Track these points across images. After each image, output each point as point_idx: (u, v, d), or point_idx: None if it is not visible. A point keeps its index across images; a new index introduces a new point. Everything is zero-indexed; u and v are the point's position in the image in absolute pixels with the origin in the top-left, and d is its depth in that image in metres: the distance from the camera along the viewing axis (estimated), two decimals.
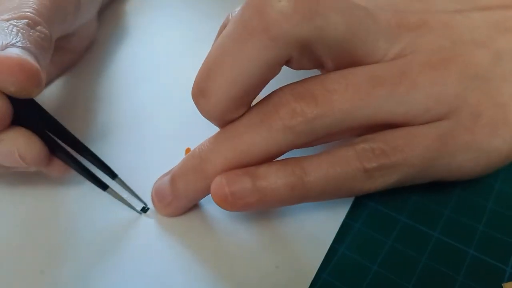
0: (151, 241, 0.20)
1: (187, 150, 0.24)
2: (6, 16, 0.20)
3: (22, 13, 0.20)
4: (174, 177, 0.20)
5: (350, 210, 0.21)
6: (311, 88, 0.18)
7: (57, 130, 0.21)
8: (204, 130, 0.25)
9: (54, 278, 0.19)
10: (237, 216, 0.21)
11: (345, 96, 0.18)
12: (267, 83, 0.18)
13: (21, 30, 0.19)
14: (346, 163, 0.18)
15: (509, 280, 0.18)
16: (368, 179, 0.19)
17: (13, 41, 0.19)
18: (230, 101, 0.18)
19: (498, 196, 0.22)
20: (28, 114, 0.19)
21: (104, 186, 0.21)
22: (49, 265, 0.19)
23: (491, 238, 0.20)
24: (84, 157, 0.21)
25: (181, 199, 0.20)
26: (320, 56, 0.18)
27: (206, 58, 0.18)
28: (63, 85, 0.29)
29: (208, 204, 0.22)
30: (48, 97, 0.28)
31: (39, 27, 0.21)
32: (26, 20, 0.20)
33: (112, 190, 0.21)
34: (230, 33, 0.17)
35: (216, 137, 0.20)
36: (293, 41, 0.17)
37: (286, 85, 0.19)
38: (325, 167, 0.18)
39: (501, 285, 0.18)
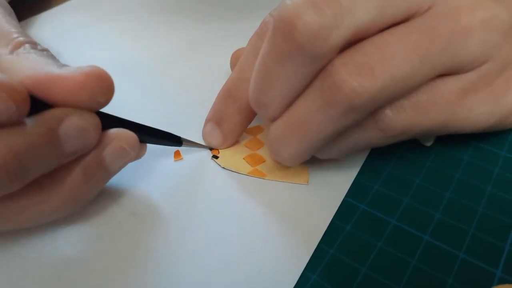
0: (141, 246, 0.20)
1: (176, 152, 0.24)
2: (12, 46, 0.20)
3: (20, 39, 0.20)
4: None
5: (341, 212, 0.21)
6: (366, 58, 0.17)
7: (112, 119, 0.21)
8: (194, 130, 0.25)
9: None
10: (219, 220, 0.21)
11: (405, 58, 0.17)
12: None
13: (40, 53, 0.20)
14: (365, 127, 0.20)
15: (499, 283, 0.18)
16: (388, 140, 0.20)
17: (57, 63, 0.19)
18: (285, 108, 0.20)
19: (489, 200, 0.22)
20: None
21: (178, 141, 0.23)
22: None
23: (481, 241, 0.20)
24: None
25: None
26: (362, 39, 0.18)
27: (255, 76, 0.20)
28: None
29: (191, 206, 0.21)
30: None
31: (38, 45, 0.21)
32: (28, 44, 0.20)
33: (186, 139, 0.23)
34: (268, 55, 0.18)
35: (283, 128, 0.20)
36: (331, 50, 0.17)
37: (338, 58, 0.18)
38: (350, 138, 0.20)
39: None
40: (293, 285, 0.18)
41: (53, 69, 0.18)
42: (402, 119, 0.19)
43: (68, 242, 0.20)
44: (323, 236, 0.20)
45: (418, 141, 0.25)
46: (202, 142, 0.25)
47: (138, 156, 0.21)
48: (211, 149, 0.24)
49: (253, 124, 0.26)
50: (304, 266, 0.19)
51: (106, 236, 0.20)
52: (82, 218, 0.21)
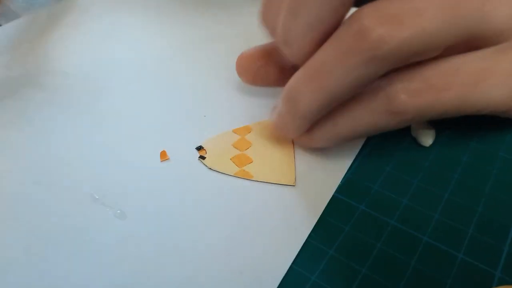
0: (118, 243, 0.20)
1: (162, 153, 0.24)
2: None
3: None
4: (276, 124, 0.23)
5: (340, 213, 0.21)
6: (396, 8, 0.17)
7: None
8: (181, 131, 0.25)
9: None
10: (205, 221, 0.21)
11: (436, 12, 0.17)
12: None
13: None
14: (370, 104, 0.20)
15: (498, 284, 0.18)
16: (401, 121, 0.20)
17: None
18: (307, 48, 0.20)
19: (487, 201, 0.22)
20: None
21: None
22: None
23: (480, 242, 0.20)
24: None
25: (291, 129, 0.22)
26: None
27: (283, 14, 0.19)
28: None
29: (177, 207, 0.21)
30: None
31: None
32: None
33: None
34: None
35: (303, 75, 0.20)
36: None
37: (366, 6, 0.18)
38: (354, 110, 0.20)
39: None
40: (278, 283, 0.18)
41: None
42: (416, 102, 0.19)
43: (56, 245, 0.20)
44: (322, 237, 0.20)
45: (417, 142, 0.25)
46: (199, 141, 0.25)
47: None
48: (198, 149, 0.24)
49: (241, 124, 0.26)
50: (289, 265, 0.19)
51: (90, 237, 0.20)
52: (66, 217, 0.21)
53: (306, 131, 0.22)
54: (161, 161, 0.24)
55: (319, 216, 0.21)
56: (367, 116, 0.20)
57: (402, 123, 0.20)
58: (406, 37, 0.17)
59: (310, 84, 0.19)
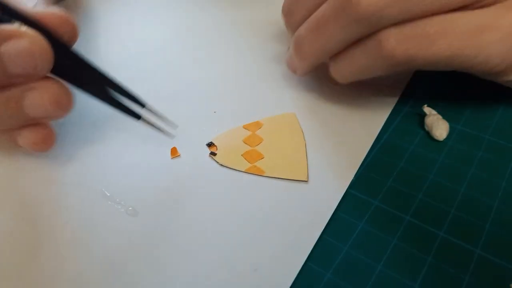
0: (127, 242, 0.20)
1: (173, 149, 0.24)
2: None
3: None
4: (287, 62, 0.28)
5: (354, 209, 0.21)
6: None
7: (84, 68, 0.21)
8: (191, 127, 0.24)
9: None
10: (216, 217, 0.20)
11: None
12: None
13: None
14: (365, 46, 0.22)
15: None
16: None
17: (38, 1, 0.20)
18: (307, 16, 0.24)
19: (504, 195, 0.21)
20: (60, 57, 0.20)
21: (137, 116, 0.22)
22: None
23: (498, 237, 0.19)
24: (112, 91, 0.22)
25: (298, 68, 0.26)
26: None
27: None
28: None
29: (188, 204, 0.21)
30: None
31: None
32: None
33: (144, 119, 0.22)
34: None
35: (307, 27, 0.23)
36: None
37: None
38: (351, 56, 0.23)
39: (509, 286, 0.18)
40: (292, 280, 0.18)
41: (27, 5, 0.19)
42: (405, 48, 0.20)
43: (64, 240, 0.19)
44: (336, 234, 0.20)
45: (430, 136, 0.25)
46: (210, 137, 0.24)
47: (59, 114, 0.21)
48: (209, 145, 0.24)
49: (252, 120, 0.26)
50: (303, 262, 0.18)
51: (102, 234, 0.20)
52: (78, 215, 0.20)
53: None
54: (172, 158, 0.23)
55: (332, 212, 0.20)
56: (362, 58, 0.22)
57: (392, 68, 0.22)
58: (384, 4, 0.19)
59: (311, 34, 0.23)
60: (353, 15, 0.20)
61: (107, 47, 0.32)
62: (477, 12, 0.20)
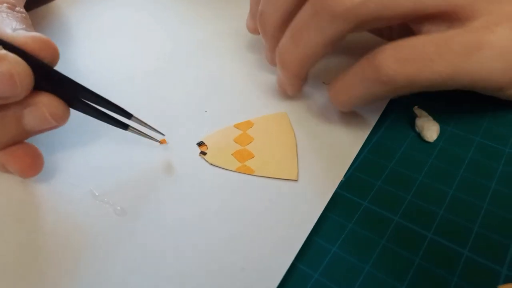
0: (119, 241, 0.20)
1: (162, 141, 0.24)
2: None
3: None
4: (277, 83, 0.27)
5: (343, 209, 0.21)
6: None
7: (69, 86, 0.21)
8: (181, 126, 0.24)
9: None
10: (206, 217, 0.20)
11: None
12: None
13: (10, 14, 0.20)
14: (362, 72, 0.21)
15: (504, 281, 0.18)
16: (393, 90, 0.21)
17: (17, 26, 0.19)
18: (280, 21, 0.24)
19: (493, 197, 0.21)
20: (43, 78, 0.20)
21: (125, 126, 0.22)
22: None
23: (486, 239, 0.19)
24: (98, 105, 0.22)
25: (287, 85, 0.26)
26: None
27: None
28: None
29: (178, 204, 0.21)
30: None
31: (17, 7, 0.21)
32: (6, 4, 0.20)
33: (133, 127, 0.22)
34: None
35: (286, 36, 0.24)
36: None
37: None
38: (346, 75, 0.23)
39: (496, 287, 0.18)
40: (280, 280, 0.18)
41: (6, 30, 0.19)
42: (404, 70, 0.20)
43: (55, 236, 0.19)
44: (325, 234, 0.20)
45: (421, 137, 0.25)
46: (201, 136, 0.24)
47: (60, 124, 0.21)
48: (199, 145, 0.24)
49: (243, 119, 0.25)
50: (291, 262, 0.18)
51: (91, 234, 0.20)
52: (68, 213, 0.20)
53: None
54: (161, 143, 0.24)
55: (321, 212, 0.20)
56: (360, 84, 0.22)
57: (392, 92, 0.21)
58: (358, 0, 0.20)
59: (292, 42, 0.23)
60: (330, 14, 0.20)
61: (92, 52, 0.32)
62: (468, 29, 0.20)
